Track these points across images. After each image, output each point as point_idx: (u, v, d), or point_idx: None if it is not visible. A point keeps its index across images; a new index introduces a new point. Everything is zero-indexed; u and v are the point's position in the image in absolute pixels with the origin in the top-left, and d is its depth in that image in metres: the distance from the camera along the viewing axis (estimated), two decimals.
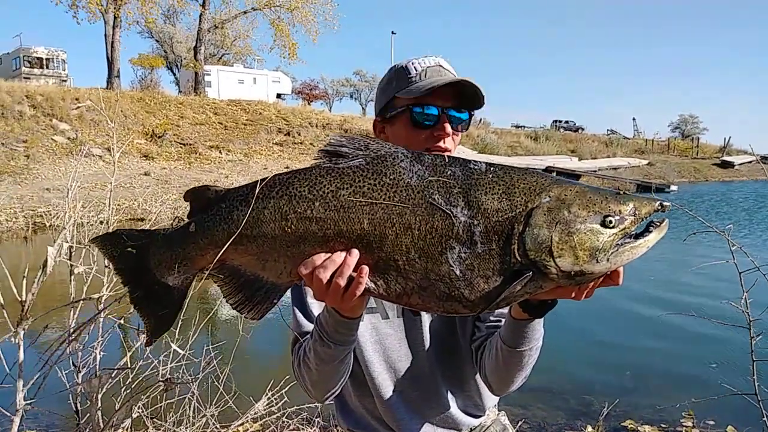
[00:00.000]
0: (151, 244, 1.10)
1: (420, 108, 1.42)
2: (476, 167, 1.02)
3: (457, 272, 0.99)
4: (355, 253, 1.00)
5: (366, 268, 1.01)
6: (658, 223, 1.01)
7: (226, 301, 1.09)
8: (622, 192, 1.05)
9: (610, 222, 0.98)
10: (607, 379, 5.78)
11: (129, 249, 1.11)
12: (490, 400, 1.58)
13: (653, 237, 1.00)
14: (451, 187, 0.99)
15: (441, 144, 1.42)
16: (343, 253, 1.01)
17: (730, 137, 52.64)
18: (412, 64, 1.46)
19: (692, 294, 8.47)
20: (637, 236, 1.00)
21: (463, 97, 1.42)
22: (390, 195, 0.99)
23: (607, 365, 6.23)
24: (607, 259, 0.98)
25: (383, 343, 1.48)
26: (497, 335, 1.36)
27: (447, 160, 1.02)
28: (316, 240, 1.02)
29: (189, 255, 1.08)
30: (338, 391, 1.44)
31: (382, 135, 1.50)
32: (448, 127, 1.42)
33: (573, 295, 1.05)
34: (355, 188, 1.00)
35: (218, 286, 1.09)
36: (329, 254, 1.01)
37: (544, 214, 0.98)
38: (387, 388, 1.49)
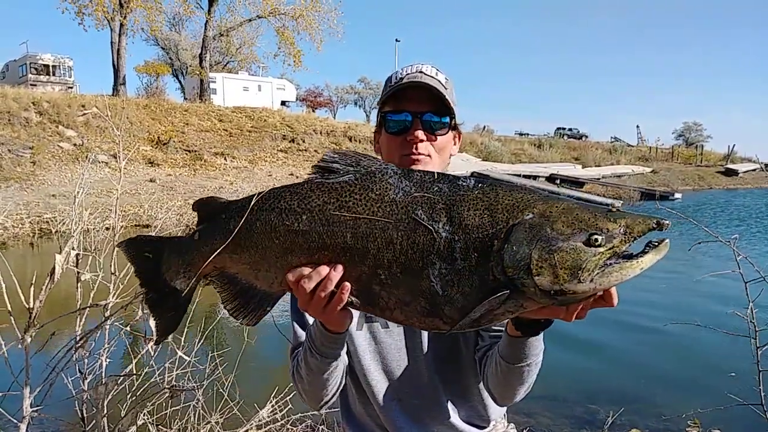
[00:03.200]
0: (164, 250, 1.19)
1: (393, 114, 1.43)
2: (464, 183, 1.01)
3: (438, 288, 0.98)
4: (340, 269, 1.03)
5: (348, 285, 1.03)
6: (657, 243, 0.95)
7: (224, 308, 1.15)
8: (615, 209, 0.99)
9: (596, 240, 0.93)
10: (612, 388, 5.76)
11: (146, 254, 1.20)
12: (496, 411, 1.55)
13: (648, 258, 0.93)
14: (435, 203, 0.99)
15: (415, 150, 1.40)
16: (328, 267, 1.03)
17: (734, 145, 52.58)
18: (396, 72, 1.47)
19: (698, 303, 8.45)
20: (632, 257, 0.93)
21: (441, 101, 1.40)
22: (374, 210, 1.00)
23: (612, 373, 6.21)
24: (591, 279, 0.92)
25: (382, 353, 1.49)
26: (496, 348, 1.35)
27: (436, 177, 1.02)
28: (303, 252, 1.05)
29: (193, 262, 1.15)
30: (331, 400, 1.46)
31: (377, 146, 1.52)
32: (420, 133, 1.39)
33: (562, 316, 1.02)
34: (341, 203, 1.02)
35: (218, 292, 1.15)
36: (315, 266, 1.04)
37: (525, 231, 0.95)
38: (386, 396, 1.49)
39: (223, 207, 1.14)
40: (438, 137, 1.43)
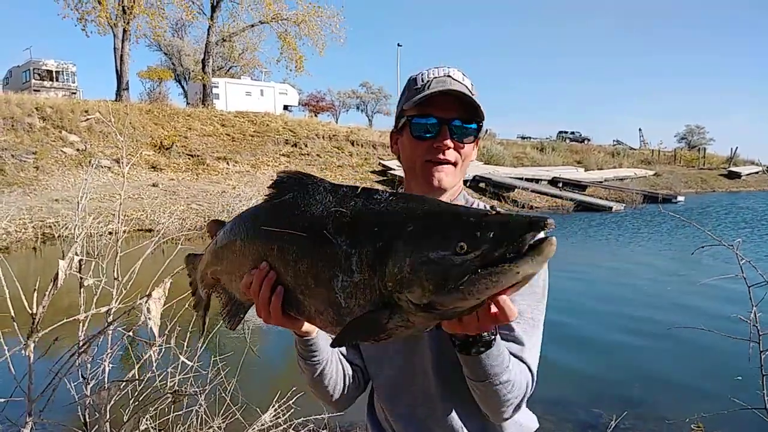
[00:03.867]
0: (195, 263, 1.41)
1: (420, 119, 1.39)
2: (377, 197, 1.01)
3: (341, 300, 0.99)
4: (272, 274, 1.09)
5: (280, 288, 1.09)
6: (539, 244, 0.84)
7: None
8: (495, 212, 0.92)
9: (462, 248, 0.87)
10: (615, 392, 5.74)
11: (192, 266, 1.43)
12: (513, 426, 1.48)
13: (526, 262, 0.83)
14: (343, 217, 1.00)
15: (441, 156, 1.39)
16: (263, 275, 1.10)
17: (737, 147, 52.45)
18: (421, 74, 1.44)
19: (702, 306, 8.43)
20: (506, 261, 0.84)
21: (470, 107, 1.38)
22: (297, 224, 1.05)
23: (615, 377, 6.19)
24: (458, 289, 0.86)
25: (392, 360, 1.48)
26: None
27: (358, 192, 1.03)
28: (251, 263, 1.14)
29: (203, 272, 1.35)
30: (343, 400, 1.49)
31: (395, 147, 1.50)
32: (449, 141, 1.38)
33: (471, 329, 1.00)
34: (276, 218, 1.09)
35: (217, 299, 1.34)
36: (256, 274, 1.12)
37: (403, 244, 0.92)
38: (397, 405, 1.49)
39: (221, 227, 1.29)
40: (465, 144, 1.41)
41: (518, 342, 1.34)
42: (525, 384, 1.31)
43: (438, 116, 1.38)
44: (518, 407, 1.33)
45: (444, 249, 0.88)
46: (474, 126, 1.41)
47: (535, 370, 1.36)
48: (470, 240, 0.87)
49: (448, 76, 1.40)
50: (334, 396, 1.46)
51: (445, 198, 1.44)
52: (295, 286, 1.07)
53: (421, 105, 1.38)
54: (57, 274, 1.89)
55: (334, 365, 1.43)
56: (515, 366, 1.28)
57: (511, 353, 1.29)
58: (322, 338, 1.36)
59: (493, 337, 1.17)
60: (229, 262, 1.22)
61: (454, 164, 1.41)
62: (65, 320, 2.15)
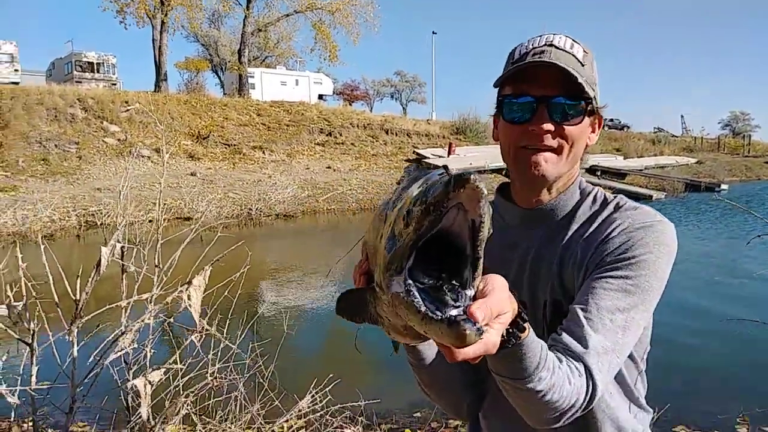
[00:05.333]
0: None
1: (512, 98, 1.19)
2: (432, 175, 0.87)
3: None
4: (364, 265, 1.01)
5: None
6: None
7: None
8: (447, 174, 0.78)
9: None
10: (657, 383, 5.56)
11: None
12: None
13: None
14: (399, 196, 0.88)
15: (538, 142, 1.18)
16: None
17: None
18: (521, 45, 1.22)
19: (753, 298, 8.19)
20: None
21: (574, 81, 1.14)
22: (381, 209, 0.98)
23: (656, 369, 6.02)
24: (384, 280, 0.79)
25: (460, 366, 1.28)
26: None
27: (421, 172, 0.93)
28: None
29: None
30: (455, 403, 1.39)
31: (495, 131, 1.29)
32: (547, 124, 1.16)
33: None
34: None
35: None
36: None
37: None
38: (473, 412, 1.41)
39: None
40: (569, 126, 1.18)
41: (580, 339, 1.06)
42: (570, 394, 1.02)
43: (534, 94, 1.16)
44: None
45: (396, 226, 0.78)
46: (581, 103, 1.17)
47: (600, 383, 1.05)
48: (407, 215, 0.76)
49: (551, 44, 1.17)
50: (451, 397, 1.36)
51: (553, 191, 1.27)
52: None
53: (516, 80, 1.19)
54: (99, 260, 1.91)
55: (445, 369, 1.28)
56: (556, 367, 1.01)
57: (564, 351, 1.05)
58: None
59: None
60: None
61: (557, 151, 1.19)
62: (107, 306, 2.18)
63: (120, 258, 2.25)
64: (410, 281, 0.74)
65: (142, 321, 2.15)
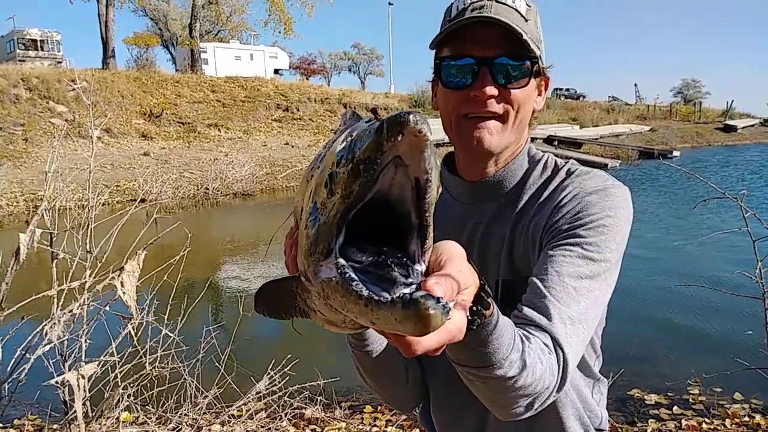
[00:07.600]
0: None
1: (450, 60, 1.07)
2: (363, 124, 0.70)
3: None
4: None
5: None
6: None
7: None
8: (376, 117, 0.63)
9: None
10: (612, 348, 5.65)
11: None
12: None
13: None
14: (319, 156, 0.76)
15: (482, 108, 1.06)
16: None
17: (732, 101, 52.43)
18: (457, 1, 1.10)
19: (704, 262, 8.39)
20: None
21: (519, 39, 1.03)
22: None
23: (612, 334, 6.11)
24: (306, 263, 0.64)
25: (431, 363, 1.25)
26: None
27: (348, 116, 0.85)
28: None
29: None
30: (404, 396, 1.30)
31: (434, 99, 1.18)
32: (490, 87, 1.04)
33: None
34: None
35: None
36: None
37: None
38: (444, 411, 1.31)
39: None
40: (514, 89, 1.07)
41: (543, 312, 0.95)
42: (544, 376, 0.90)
43: (475, 55, 1.04)
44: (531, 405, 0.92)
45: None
46: (526, 63, 1.06)
47: (572, 357, 0.93)
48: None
49: None
50: (396, 390, 1.27)
51: (500, 162, 1.17)
52: None
53: (455, 41, 1.07)
54: (18, 248, 1.77)
55: (392, 355, 1.16)
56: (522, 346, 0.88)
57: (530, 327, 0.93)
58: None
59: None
60: None
61: (503, 118, 1.09)
62: (34, 297, 2.03)
63: (49, 245, 2.10)
64: (343, 262, 0.57)
65: (70, 311, 2.02)
